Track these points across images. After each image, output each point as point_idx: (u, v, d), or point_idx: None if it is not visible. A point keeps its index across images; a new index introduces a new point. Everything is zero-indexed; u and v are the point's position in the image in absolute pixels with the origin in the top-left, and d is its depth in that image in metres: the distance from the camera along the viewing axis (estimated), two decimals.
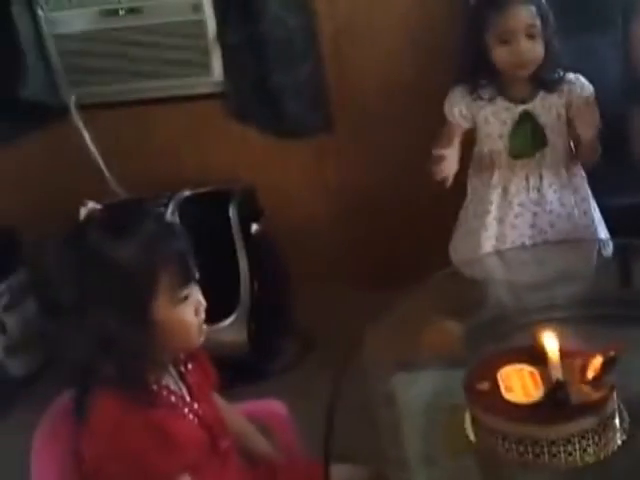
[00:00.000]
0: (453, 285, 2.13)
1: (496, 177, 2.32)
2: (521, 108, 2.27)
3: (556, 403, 1.43)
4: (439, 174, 2.25)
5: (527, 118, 2.27)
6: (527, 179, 2.30)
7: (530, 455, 1.41)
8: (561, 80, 2.25)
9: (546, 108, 2.27)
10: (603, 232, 2.38)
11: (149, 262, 1.47)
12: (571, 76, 2.26)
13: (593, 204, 2.37)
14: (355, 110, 3.15)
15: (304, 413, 1.91)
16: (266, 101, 3.05)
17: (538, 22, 2.18)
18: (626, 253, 2.20)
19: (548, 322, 1.93)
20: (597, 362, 1.47)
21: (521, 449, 1.42)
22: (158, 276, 1.47)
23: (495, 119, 2.28)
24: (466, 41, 2.30)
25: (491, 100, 2.28)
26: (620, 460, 1.44)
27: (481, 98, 2.28)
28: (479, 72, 2.27)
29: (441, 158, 2.23)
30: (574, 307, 2.02)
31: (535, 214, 2.33)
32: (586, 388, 1.45)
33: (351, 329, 1.75)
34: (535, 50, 2.20)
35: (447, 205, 2.52)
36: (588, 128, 2.21)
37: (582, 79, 2.26)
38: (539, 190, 2.31)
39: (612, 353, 1.47)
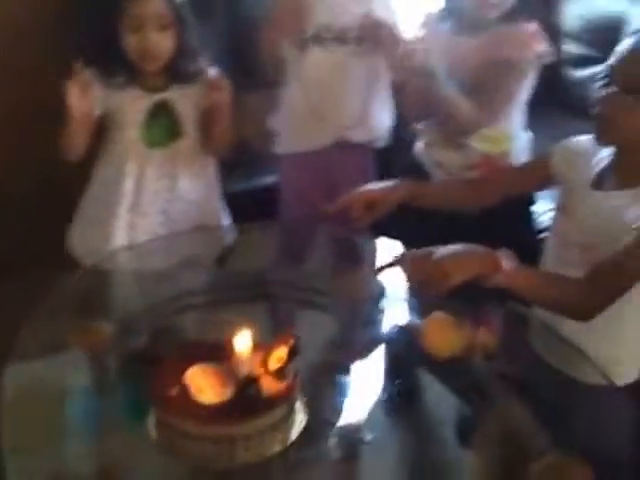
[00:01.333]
0: (92, 281, 1.95)
1: (129, 165, 2.10)
2: (156, 98, 2.07)
3: (247, 399, 1.31)
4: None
5: (162, 108, 2.08)
6: (161, 167, 2.12)
7: (227, 453, 1.30)
8: (198, 72, 2.09)
9: (182, 99, 2.09)
10: (227, 218, 2.29)
11: None
12: (209, 67, 2.11)
13: (219, 192, 2.26)
14: None
15: None
16: None
17: (170, 13, 2.01)
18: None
19: (190, 309, 1.89)
20: (280, 352, 1.37)
21: (216, 449, 1.30)
22: None
23: (128, 107, 2.06)
24: (98, 26, 2.06)
25: (124, 87, 2.05)
26: (304, 444, 1.40)
27: (113, 85, 2.05)
28: (111, 58, 2.03)
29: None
30: (206, 292, 1.96)
31: (167, 201, 2.15)
32: (273, 380, 1.35)
33: None
34: (163, 42, 2.02)
35: (62, 193, 2.26)
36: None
37: (216, 70, 2.11)
38: (172, 178, 2.13)
39: (292, 342, 1.38)
